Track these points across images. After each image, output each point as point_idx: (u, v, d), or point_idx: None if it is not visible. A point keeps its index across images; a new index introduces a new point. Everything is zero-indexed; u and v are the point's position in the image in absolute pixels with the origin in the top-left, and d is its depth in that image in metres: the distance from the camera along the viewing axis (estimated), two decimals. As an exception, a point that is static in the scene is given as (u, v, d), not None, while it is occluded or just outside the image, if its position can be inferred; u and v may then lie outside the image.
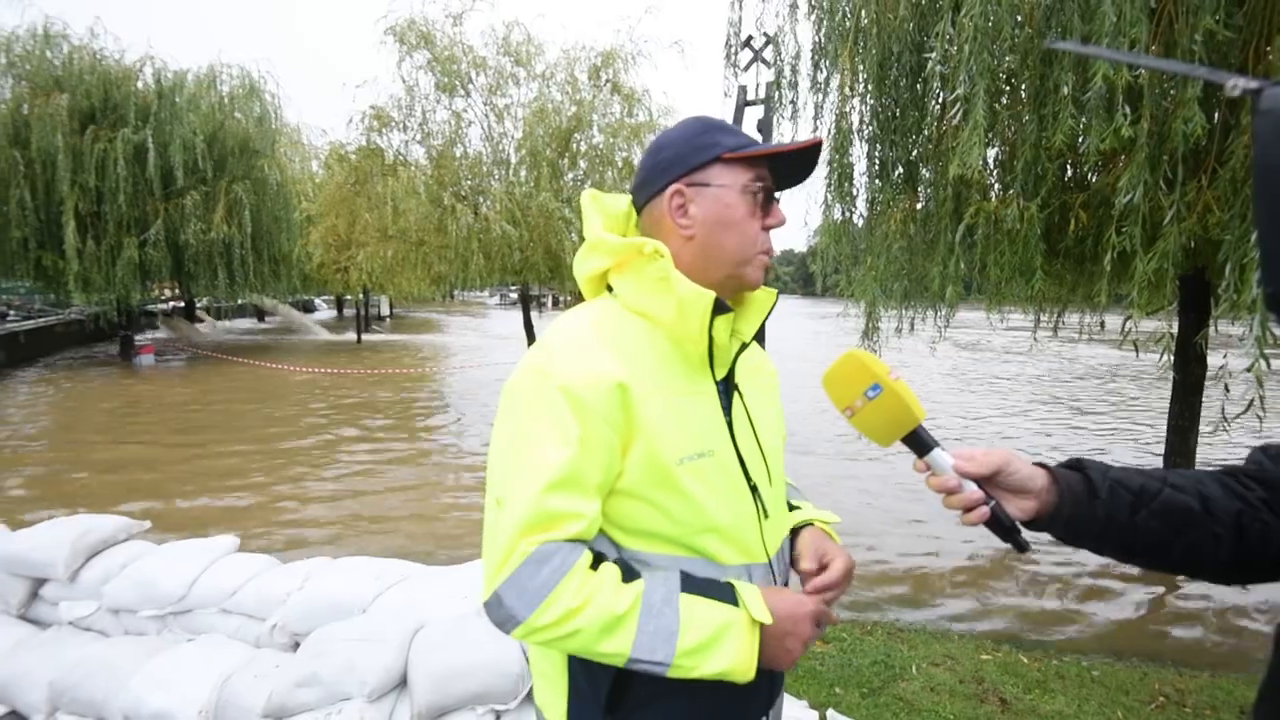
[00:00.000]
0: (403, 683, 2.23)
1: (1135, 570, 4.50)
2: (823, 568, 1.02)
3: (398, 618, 2.35)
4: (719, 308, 0.93)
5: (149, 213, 15.37)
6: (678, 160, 0.97)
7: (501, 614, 0.86)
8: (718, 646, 0.86)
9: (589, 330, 0.95)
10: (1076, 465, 0.88)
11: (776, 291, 1.06)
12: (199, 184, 15.59)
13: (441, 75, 9.56)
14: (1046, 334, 5.81)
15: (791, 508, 1.17)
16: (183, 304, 25.78)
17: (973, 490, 0.85)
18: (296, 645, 2.45)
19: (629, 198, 1.06)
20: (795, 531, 1.12)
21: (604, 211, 1.04)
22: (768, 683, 1.04)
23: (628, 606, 0.85)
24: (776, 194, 1.01)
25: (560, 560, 0.84)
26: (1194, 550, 0.81)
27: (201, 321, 26.60)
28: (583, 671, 0.95)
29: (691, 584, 0.89)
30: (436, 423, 10.10)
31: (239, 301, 24.15)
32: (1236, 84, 0.57)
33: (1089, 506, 0.83)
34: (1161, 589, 4.54)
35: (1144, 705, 2.91)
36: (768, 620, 0.89)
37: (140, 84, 15.90)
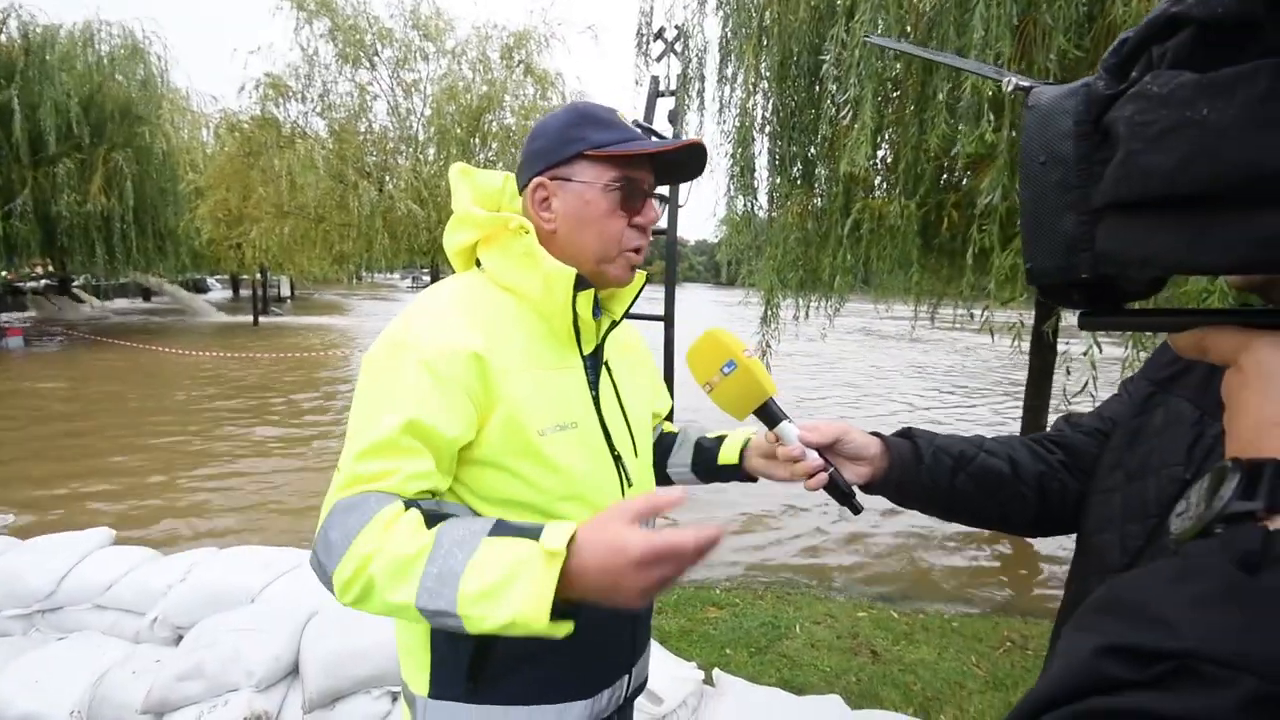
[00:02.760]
0: (295, 671, 2.23)
1: (991, 533, 4.99)
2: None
3: (288, 606, 2.34)
4: (580, 284, 0.95)
5: (14, 181, 14.09)
6: (544, 152, 0.97)
7: (320, 573, 0.82)
8: (508, 590, 0.71)
9: (448, 302, 0.95)
10: (907, 434, 0.96)
11: (644, 274, 1.09)
12: (73, 151, 14.35)
13: (344, 45, 9.16)
14: (925, 324, 6.30)
15: (704, 443, 1.22)
16: (57, 282, 23.55)
17: (814, 458, 0.91)
18: (180, 639, 2.39)
19: (505, 174, 1.06)
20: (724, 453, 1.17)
21: (475, 186, 1.03)
22: (630, 640, 1.09)
23: (416, 549, 0.75)
24: (658, 190, 1.03)
25: (366, 509, 0.79)
26: (1005, 508, 0.91)
27: (82, 300, 24.41)
28: (445, 642, 0.97)
29: (504, 527, 0.77)
30: (334, 406, 9.75)
31: (122, 280, 22.32)
32: (1011, 81, 0.59)
33: (915, 471, 0.91)
34: (1012, 547, 5.04)
35: (994, 650, 3.27)
36: (558, 547, 0.71)
37: (4, 37, 14.40)
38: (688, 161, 1.02)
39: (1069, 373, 3.76)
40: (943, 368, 15.52)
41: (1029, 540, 4.94)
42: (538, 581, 0.70)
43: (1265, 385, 0.41)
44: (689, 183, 8.88)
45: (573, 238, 0.97)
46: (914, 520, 5.31)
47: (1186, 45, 0.41)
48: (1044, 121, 0.51)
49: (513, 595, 0.71)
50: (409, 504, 0.81)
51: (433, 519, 0.79)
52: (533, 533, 0.75)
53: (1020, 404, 6.04)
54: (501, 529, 0.77)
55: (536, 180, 0.97)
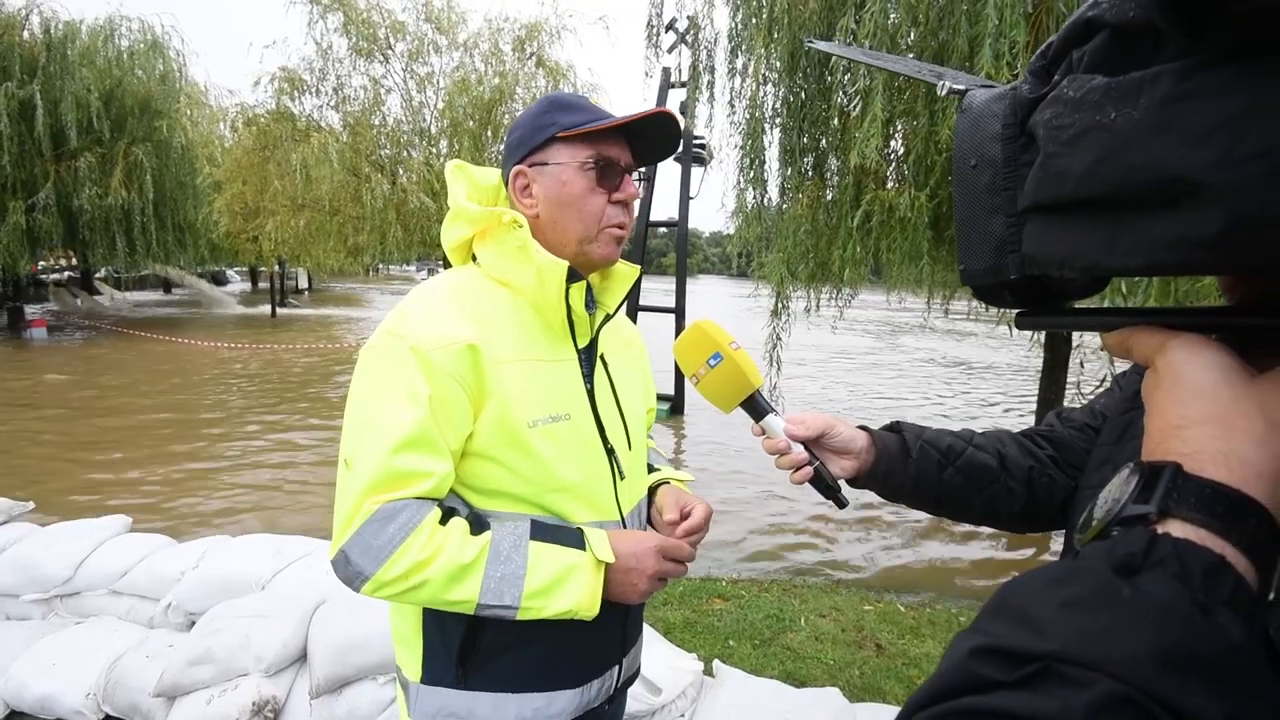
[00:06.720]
0: (303, 657, 2.27)
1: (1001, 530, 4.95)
2: (685, 515, 1.09)
3: (298, 593, 2.38)
4: (572, 276, 0.97)
5: (38, 175, 14.25)
6: (521, 142, 1.00)
7: (348, 571, 0.89)
8: (563, 587, 0.92)
9: (444, 294, 0.98)
10: (895, 428, 0.96)
11: (639, 267, 1.12)
12: (94, 145, 14.48)
13: (358, 39, 9.20)
14: (939, 316, 6.25)
15: (651, 470, 1.24)
16: (79, 274, 23.96)
17: (799, 451, 0.91)
18: (193, 625, 2.44)
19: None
20: (653, 490, 1.20)
21: (470, 182, 1.06)
22: (620, 632, 1.11)
23: (475, 555, 0.89)
24: (640, 168, 1.04)
25: (407, 517, 0.88)
26: (992, 502, 0.91)
27: (100, 293, 24.79)
28: (436, 628, 1.00)
29: (540, 531, 0.95)
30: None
31: (142, 272, 22.63)
32: (945, 85, 0.58)
33: (902, 465, 0.91)
34: (1022, 543, 5.00)
35: (999, 646, 3.26)
36: (610, 559, 0.95)
37: (26, 34, 14.55)
38: (665, 136, 1.04)
39: (1083, 366, 3.71)
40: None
41: (1039, 536, 4.89)
42: (590, 582, 0.94)
43: (1173, 387, 0.40)
44: (696, 168, 8.85)
45: (555, 219, 1.00)
46: (924, 515, 5.28)
47: (1102, 49, 0.41)
48: (975, 124, 0.51)
49: (568, 592, 0.92)
50: (446, 509, 0.93)
51: (477, 525, 0.93)
52: (571, 537, 0.96)
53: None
54: (540, 533, 0.94)
55: (516, 169, 1.00)
